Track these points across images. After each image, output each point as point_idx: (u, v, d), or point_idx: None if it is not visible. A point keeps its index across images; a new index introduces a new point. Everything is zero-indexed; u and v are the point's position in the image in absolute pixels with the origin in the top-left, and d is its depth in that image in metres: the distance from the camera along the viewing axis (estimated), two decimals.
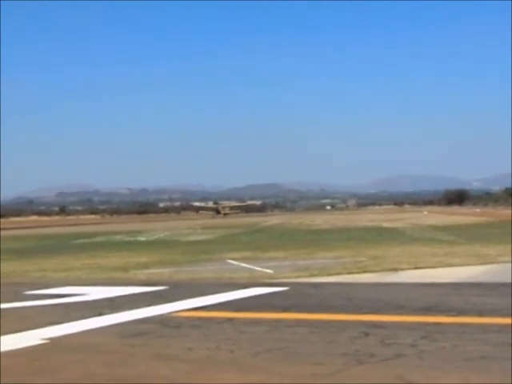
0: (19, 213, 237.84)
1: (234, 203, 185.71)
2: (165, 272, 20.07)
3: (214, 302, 12.59)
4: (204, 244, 37.63)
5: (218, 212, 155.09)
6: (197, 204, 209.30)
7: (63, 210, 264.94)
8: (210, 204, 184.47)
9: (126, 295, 14.08)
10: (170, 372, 7.21)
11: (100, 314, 11.37)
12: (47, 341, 9.21)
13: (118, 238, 52.13)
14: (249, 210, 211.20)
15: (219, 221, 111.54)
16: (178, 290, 14.67)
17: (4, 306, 13.09)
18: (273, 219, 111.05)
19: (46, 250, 35.66)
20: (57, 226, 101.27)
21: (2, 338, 9.52)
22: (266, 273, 18.67)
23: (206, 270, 19.99)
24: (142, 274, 19.47)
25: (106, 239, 49.85)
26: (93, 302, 13.12)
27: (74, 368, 7.60)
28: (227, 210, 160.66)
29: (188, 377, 6.97)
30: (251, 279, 16.91)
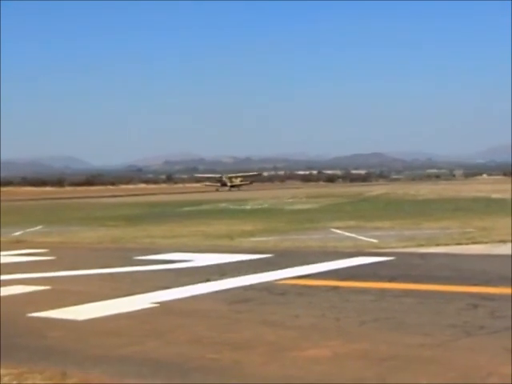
0: (129, 181, 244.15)
1: (241, 174, 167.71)
2: (270, 240, 20.19)
3: (319, 270, 12.61)
4: (308, 213, 37.61)
5: (224, 184, 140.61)
6: (199, 175, 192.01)
7: (170, 178, 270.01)
8: (214, 175, 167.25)
9: (232, 262, 14.29)
10: (275, 338, 7.28)
11: (207, 280, 11.60)
12: (157, 305, 9.48)
13: (222, 206, 52.81)
14: (261, 180, 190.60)
15: (324, 190, 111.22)
16: (283, 258, 14.76)
17: (116, 270, 13.57)
18: (377, 189, 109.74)
19: (154, 217, 36.56)
20: (164, 194, 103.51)
21: (115, 300, 9.88)
22: (371, 242, 18.49)
23: (311, 239, 19.98)
24: (247, 242, 19.65)
25: (212, 207, 50.59)
26: (200, 268, 13.39)
27: (182, 331, 7.80)
28: (237, 182, 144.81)
29: (293, 343, 7.03)
30: (356, 248, 16.80)
